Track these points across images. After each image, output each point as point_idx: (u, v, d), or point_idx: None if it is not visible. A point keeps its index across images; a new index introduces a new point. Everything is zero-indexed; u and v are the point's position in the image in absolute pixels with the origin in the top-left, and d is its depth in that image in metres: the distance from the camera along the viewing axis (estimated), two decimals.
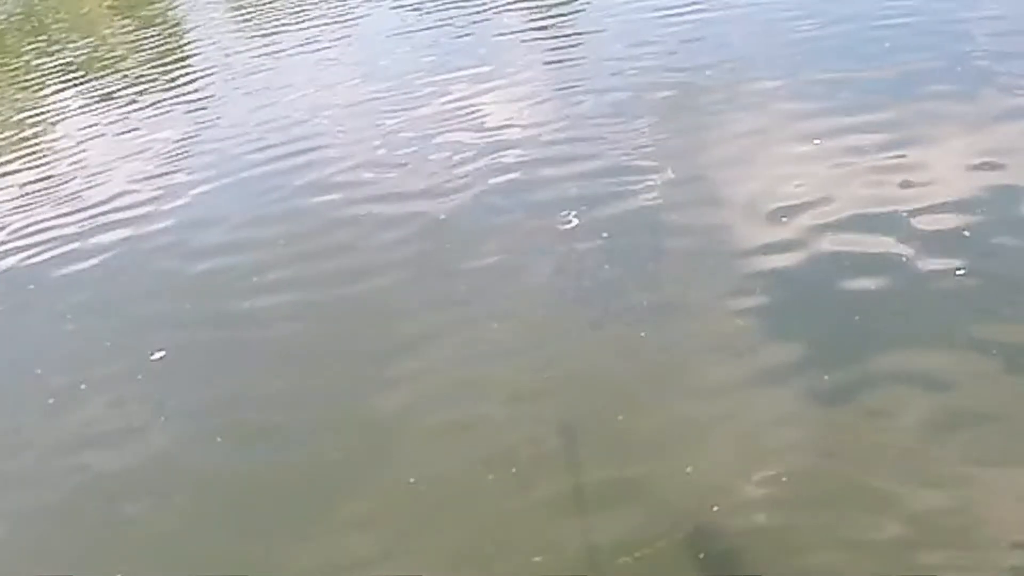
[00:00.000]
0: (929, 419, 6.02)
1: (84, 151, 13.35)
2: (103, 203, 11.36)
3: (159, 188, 11.50)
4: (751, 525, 5.55)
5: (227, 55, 16.98)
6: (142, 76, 16.54)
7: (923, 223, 7.77)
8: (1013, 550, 5.13)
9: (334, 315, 8.33)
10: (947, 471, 5.66)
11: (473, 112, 11.91)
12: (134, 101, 15.23)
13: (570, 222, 8.81)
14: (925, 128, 9.21)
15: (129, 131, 13.85)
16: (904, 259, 7.41)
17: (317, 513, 6.19)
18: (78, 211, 11.24)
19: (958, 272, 7.13)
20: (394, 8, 18.08)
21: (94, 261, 9.97)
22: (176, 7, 21.86)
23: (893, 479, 5.65)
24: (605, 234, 8.49)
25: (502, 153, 10.52)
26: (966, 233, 7.56)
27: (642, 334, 7.24)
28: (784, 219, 8.19)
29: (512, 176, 9.95)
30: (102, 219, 10.91)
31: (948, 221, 7.74)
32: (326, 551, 5.92)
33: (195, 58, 17.25)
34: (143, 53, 18.21)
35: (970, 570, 5.08)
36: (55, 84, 17.01)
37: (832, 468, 5.83)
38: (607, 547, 5.54)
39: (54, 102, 15.97)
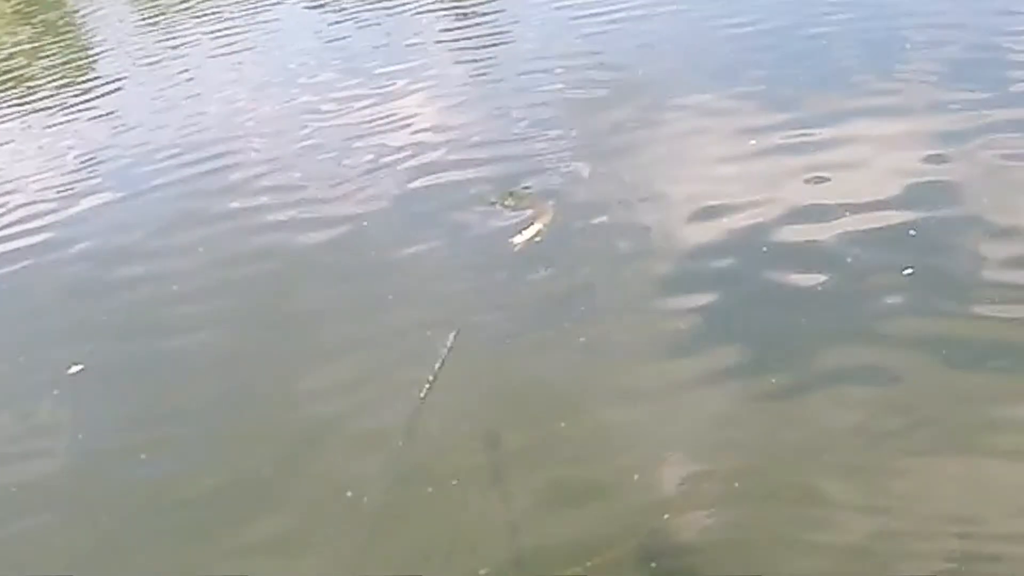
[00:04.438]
0: (876, 419, 6.05)
1: None
2: (9, 214, 11.13)
3: (69, 198, 11.26)
4: (704, 532, 5.54)
5: (136, 62, 16.73)
6: (48, 84, 16.24)
7: (867, 221, 7.81)
8: (960, 539, 5.20)
9: (258, 325, 8.20)
10: (896, 468, 5.70)
11: (394, 117, 11.79)
12: (40, 109, 14.93)
13: (499, 225, 8.73)
14: (864, 127, 9.27)
15: (35, 140, 13.59)
16: (849, 259, 7.45)
17: (251, 530, 6.07)
18: None
19: (906, 271, 7.17)
20: (308, 12, 17.98)
21: (1, 274, 9.72)
22: (81, 12, 21.53)
23: (844, 479, 5.68)
24: (537, 238, 8.42)
25: (425, 158, 10.43)
26: (912, 231, 7.62)
27: (581, 339, 7.19)
28: (723, 219, 8.19)
29: (438, 180, 9.88)
30: (9, 231, 10.68)
31: (892, 219, 7.79)
32: (264, 569, 5.81)
33: (103, 64, 16.98)
34: (48, 59, 17.87)
35: (924, 559, 5.12)
36: None
37: (781, 469, 5.84)
38: (556, 559, 5.48)
39: None
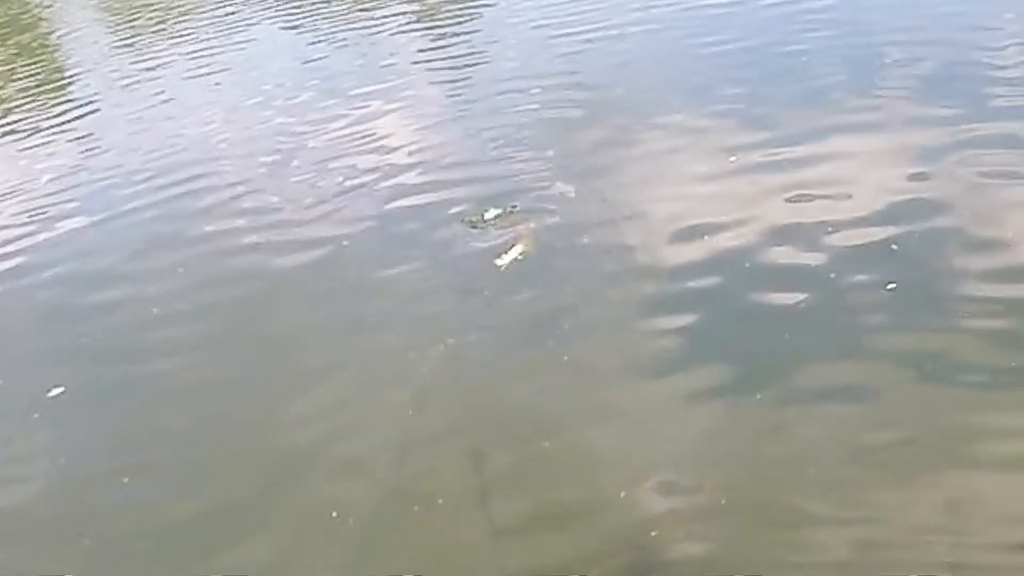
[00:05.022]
0: (860, 434, 6.10)
1: None
2: None
3: (44, 222, 11.27)
4: (692, 548, 5.57)
5: (111, 84, 16.73)
6: (22, 106, 16.21)
7: (849, 238, 7.88)
8: (945, 552, 5.24)
9: (239, 348, 8.24)
10: (880, 483, 5.75)
11: (372, 138, 11.83)
12: (14, 132, 14.92)
13: (480, 246, 8.77)
14: (845, 144, 9.35)
15: (9, 163, 13.56)
16: (832, 275, 7.51)
17: (237, 552, 6.07)
18: None
19: (888, 287, 7.24)
20: (283, 33, 17.99)
21: None
22: (56, 34, 21.53)
23: (829, 495, 5.72)
24: (521, 258, 8.46)
25: (404, 178, 10.48)
26: (894, 247, 7.69)
27: (565, 358, 7.23)
28: (706, 238, 8.24)
29: (418, 201, 9.90)
30: None
31: (874, 235, 7.85)
32: None
33: (78, 86, 16.96)
34: (22, 81, 17.84)
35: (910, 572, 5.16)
36: None
37: (767, 485, 5.88)
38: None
39: None
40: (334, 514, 6.15)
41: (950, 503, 5.52)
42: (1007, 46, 10.91)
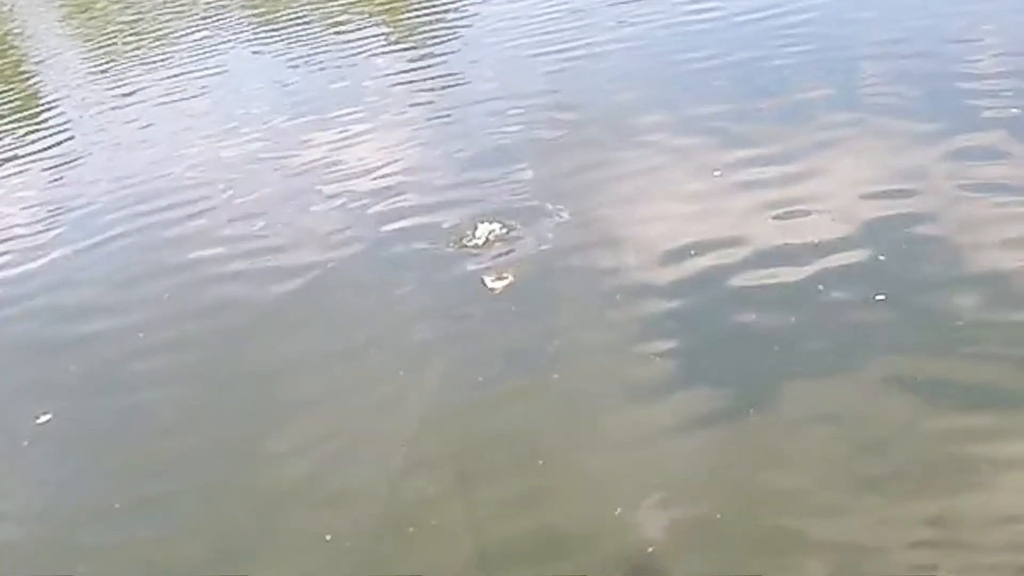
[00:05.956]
0: (855, 452, 6.19)
1: None
2: None
3: (25, 250, 11.32)
4: (688, 565, 5.64)
5: (86, 109, 16.71)
6: None
7: (836, 251, 7.98)
8: (938, 562, 5.37)
9: (227, 375, 8.29)
10: (874, 503, 5.82)
11: (352, 160, 11.87)
12: None
13: (468, 268, 8.83)
14: (827, 157, 9.46)
15: None
16: (820, 287, 7.61)
17: None
18: None
19: (877, 298, 7.34)
20: (259, 58, 18.00)
21: None
22: (30, 60, 21.53)
23: (826, 514, 5.82)
24: (508, 280, 8.52)
25: (389, 201, 10.50)
26: (881, 257, 7.81)
27: (554, 376, 7.31)
28: (692, 255, 8.33)
29: (404, 225, 9.93)
30: None
31: (860, 249, 7.97)
32: None
33: (53, 114, 16.89)
34: None
35: None
36: None
37: (764, 504, 5.95)
38: None
39: None
40: (328, 538, 6.21)
41: (940, 518, 5.60)
42: (986, 58, 11.02)
